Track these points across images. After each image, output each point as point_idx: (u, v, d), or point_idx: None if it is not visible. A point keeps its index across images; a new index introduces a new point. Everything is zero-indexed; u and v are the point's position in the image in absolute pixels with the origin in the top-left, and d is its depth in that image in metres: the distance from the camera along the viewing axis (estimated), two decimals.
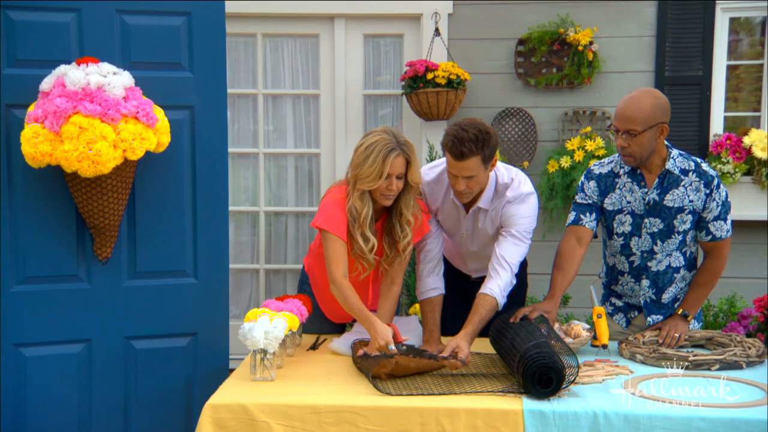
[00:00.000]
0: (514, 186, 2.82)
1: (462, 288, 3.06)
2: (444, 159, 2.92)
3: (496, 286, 2.75)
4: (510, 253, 2.78)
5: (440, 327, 2.88)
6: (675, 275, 2.92)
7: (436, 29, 4.49)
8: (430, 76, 4.27)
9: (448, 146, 2.68)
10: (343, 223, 2.76)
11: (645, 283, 2.93)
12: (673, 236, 2.85)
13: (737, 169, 4.33)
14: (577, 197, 2.96)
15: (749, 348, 2.71)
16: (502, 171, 2.86)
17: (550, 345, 2.41)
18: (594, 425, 2.21)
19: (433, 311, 2.87)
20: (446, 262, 3.12)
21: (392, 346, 2.58)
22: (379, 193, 2.72)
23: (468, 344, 2.62)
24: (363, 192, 2.72)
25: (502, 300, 2.77)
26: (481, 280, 2.84)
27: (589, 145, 4.32)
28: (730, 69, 4.56)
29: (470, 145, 2.62)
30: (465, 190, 2.73)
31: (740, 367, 2.64)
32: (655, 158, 2.80)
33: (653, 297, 2.95)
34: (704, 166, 2.84)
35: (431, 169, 2.94)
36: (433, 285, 2.89)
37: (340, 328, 3.19)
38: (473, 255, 3.04)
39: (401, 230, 2.80)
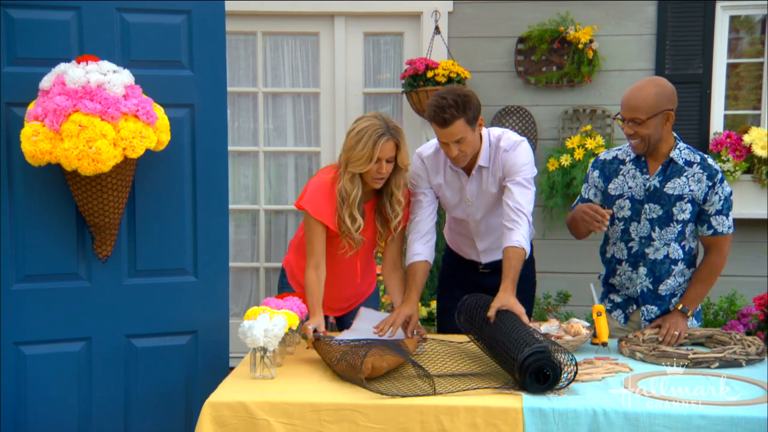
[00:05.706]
0: (505, 137, 2.91)
1: (471, 282, 3.07)
2: None
3: (521, 236, 2.78)
4: (521, 199, 2.83)
5: (420, 291, 2.90)
6: (673, 267, 2.92)
7: (437, 27, 4.49)
8: (430, 74, 4.27)
9: (431, 116, 2.75)
10: (325, 206, 2.86)
11: (642, 270, 2.94)
12: (671, 224, 2.88)
13: (737, 168, 4.33)
14: (582, 189, 3.07)
15: (749, 346, 2.71)
16: (491, 129, 2.96)
17: (540, 340, 2.40)
18: (593, 423, 2.21)
19: (414, 276, 2.90)
20: (455, 254, 3.14)
21: (314, 334, 2.71)
22: (370, 177, 2.83)
23: (513, 296, 2.65)
24: (354, 174, 2.82)
25: (528, 248, 2.81)
26: (489, 268, 2.86)
27: (590, 143, 4.32)
28: (731, 67, 4.56)
29: (451, 110, 2.70)
30: (459, 154, 2.80)
31: (740, 365, 2.64)
32: (661, 146, 2.86)
33: (650, 287, 2.95)
34: (710, 160, 2.89)
35: (428, 147, 3.02)
36: (418, 251, 2.92)
37: (337, 327, 3.20)
38: (482, 230, 3.05)
39: (392, 210, 2.91)
